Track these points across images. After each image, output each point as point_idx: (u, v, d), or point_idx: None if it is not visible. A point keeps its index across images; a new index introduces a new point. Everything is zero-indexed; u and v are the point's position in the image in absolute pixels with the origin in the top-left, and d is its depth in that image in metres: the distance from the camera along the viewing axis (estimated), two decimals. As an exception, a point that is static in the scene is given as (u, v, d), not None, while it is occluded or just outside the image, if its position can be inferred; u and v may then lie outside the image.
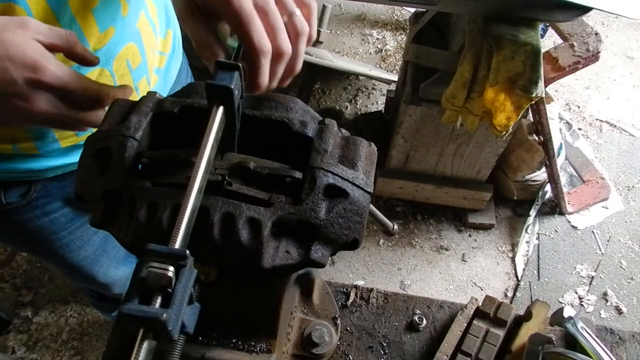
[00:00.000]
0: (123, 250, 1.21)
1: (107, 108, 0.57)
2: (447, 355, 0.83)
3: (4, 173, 0.83)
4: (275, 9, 0.57)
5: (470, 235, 2.28)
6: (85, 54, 0.62)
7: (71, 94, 0.59)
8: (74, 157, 0.88)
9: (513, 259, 2.21)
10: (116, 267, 1.23)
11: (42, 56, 0.55)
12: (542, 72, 1.40)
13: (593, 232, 2.27)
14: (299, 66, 0.60)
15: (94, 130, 0.56)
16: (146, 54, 0.87)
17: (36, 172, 0.86)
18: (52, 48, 0.58)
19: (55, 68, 0.56)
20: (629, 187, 2.41)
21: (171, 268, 0.38)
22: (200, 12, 0.58)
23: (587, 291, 2.12)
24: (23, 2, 0.63)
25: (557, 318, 0.83)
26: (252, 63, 0.55)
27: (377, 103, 2.66)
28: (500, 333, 0.84)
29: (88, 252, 1.09)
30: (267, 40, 0.54)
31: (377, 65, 2.81)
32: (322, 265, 0.49)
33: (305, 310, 0.78)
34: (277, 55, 0.56)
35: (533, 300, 1.15)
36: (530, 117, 1.89)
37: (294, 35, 0.59)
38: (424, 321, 0.89)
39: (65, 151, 0.86)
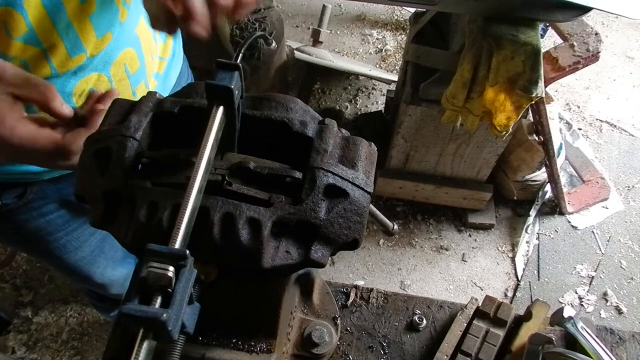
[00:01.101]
0: (121, 251, 1.22)
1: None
2: (447, 355, 0.83)
3: (0, 175, 0.83)
4: None
5: (470, 235, 2.28)
6: (60, 110, 0.61)
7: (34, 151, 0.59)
8: None
9: (513, 259, 2.21)
10: (113, 268, 1.24)
11: (8, 114, 0.55)
12: (542, 72, 1.40)
13: (593, 232, 2.27)
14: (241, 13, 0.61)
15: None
16: (145, 59, 0.87)
17: (32, 175, 0.86)
18: (26, 101, 0.58)
19: (20, 128, 0.56)
20: (629, 187, 2.41)
21: (171, 268, 0.38)
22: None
23: (587, 291, 2.12)
24: (21, 8, 0.63)
25: (557, 318, 0.83)
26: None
27: (377, 103, 2.66)
28: (500, 333, 0.84)
29: (85, 252, 1.10)
30: None
31: (377, 65, 2.81)
32: (322, 265, 0.49)
33: (305, 310, 0.78)
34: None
35: (533, 300, 1.15)
36: (530, 117, 1.89)
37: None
38: (424, 321, 0.89)
39: None
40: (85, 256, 1.11)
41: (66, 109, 0.62)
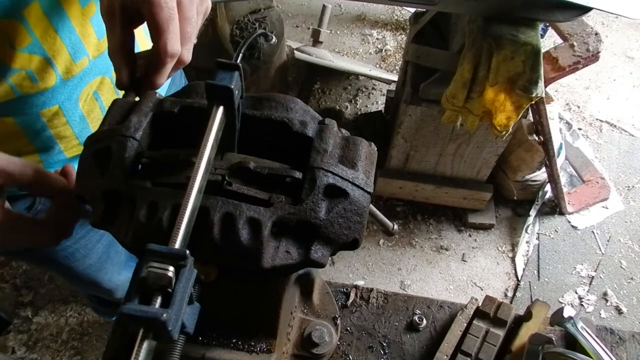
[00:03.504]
0: (124, 254, 1.22)
1: None
2: (447, 355, 0.83)
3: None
4: (195, 22, 0.56)
5: (470, 235, 2.28)
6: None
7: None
8: None
9: (513, 259, 2.21)
10: (119, 273, 1.24)
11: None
12: (542, 72, 1.40)
13: (593, 232, 2.27)
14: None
15: None
16: None
17: None
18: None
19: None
20: (629, 187, 2.41)
21: (171, 268, 0.38)
22: (121, 15, 0.55)
23: (587, 291, 2.12)
24: (21, 17, 0.63)
25: (557, 318, 0.83)
26: (156, 61, 0.54)
27: (377, 103, 2.66)
28: (500, 333, 0.84)
29: (92, 260, 1.10)
30: (179, 45, 0.54)
31: (377, 65, 2.81)
32: (322, 265, 0.49)
33: (305, 310, 0.78)
34: (177, 62, 0.56)
35: (533, 300, 1.15)
36: (530, 117, 1.89)
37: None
38: (424, 321, 0.88)
39: (69, 161, 0.86)
40: (93, 263, 1.11)
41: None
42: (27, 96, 0.71)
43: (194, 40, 0.58)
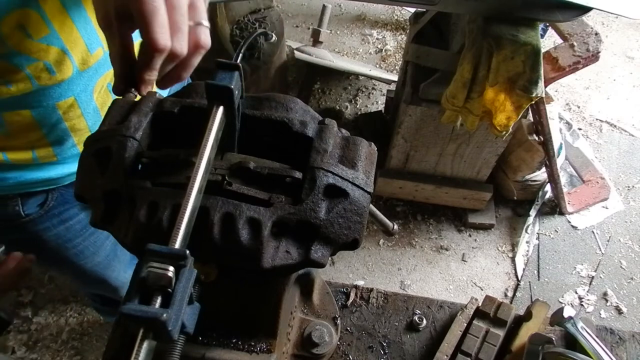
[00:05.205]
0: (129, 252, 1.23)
1: None
2: (447, 355, 0.83)
3: (23, 185, 0.84)
4: (185, 9, 0.54)
5: (470, 235, 2.27)
6: None
7: None
8: None
9: (513, 259, 2.21)
10: (125, 271, 1.25)
11: None
12: (542, 72, 1.40)
13: (593, 232, 2.27)
14: (186, 75, 0.57)
15: None
16: None
17: (54, 180, 0.87)
18: None
19: None
20: (629, 187, 2.41)
21: (171, 268, 0.38)
22: (118, 22, 0.53)
23: (587, 291, 2.11)
24: (37, 6, 0.63)
25: (557, 318, 0.83)
26: (144, 56, 0.52)
27: (377, 103, 2.66)
28: (500, 333, 0.84)
29: (101, 257, 1.10)
30: (167, 37, 0.51)
31: (377, 65, 2.81)
32: (322, 265, 0.49)
33: (305, 310, 0.78)
34: (170, 55, 0.53)
35: (533, 300, 1.15)
36: (530, 117, 1.89)
37: (193, 44, 0.55)
38: (424, 321, 0.88)
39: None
40: (101, 261, 1.11)
41: None
42: (44, 88, 0.72)
43: (185, 30, 0.54)
